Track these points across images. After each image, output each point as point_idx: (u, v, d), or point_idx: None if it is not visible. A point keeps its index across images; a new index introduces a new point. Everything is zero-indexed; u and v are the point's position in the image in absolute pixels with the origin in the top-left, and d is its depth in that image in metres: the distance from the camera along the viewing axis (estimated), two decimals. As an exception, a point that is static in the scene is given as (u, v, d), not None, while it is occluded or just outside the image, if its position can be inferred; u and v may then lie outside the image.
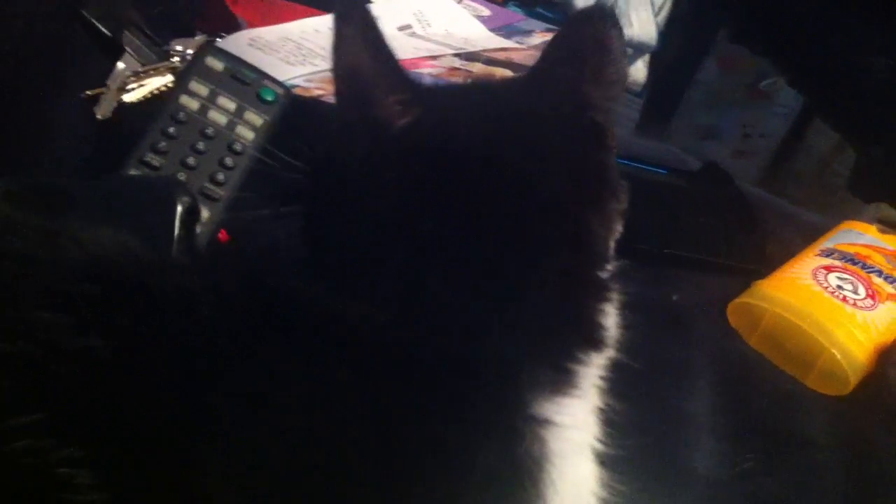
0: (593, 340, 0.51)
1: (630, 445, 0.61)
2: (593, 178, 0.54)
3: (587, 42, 0.52)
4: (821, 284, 0.80)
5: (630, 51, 1.31)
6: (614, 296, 0.53)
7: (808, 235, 0.92)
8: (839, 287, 0.80)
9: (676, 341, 0.76)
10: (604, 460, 0.52)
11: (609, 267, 0.54)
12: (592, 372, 0.51)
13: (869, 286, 0.81)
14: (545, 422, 0.46)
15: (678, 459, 0.66)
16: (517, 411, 0.45)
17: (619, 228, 0.56)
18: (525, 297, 0.49)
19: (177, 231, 0.57)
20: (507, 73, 0.97)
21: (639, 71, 1.36)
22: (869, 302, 0.79)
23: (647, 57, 1.37)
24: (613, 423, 0.53)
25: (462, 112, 0.54)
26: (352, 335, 0.44)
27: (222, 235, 0.73)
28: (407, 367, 0.44)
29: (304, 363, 0.43)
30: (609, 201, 0.55)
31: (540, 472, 0.44)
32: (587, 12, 0.53)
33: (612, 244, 0.56)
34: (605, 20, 0.51)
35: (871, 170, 1.09)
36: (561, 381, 0.48)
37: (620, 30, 0.52)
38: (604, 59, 0.51)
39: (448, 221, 0.49)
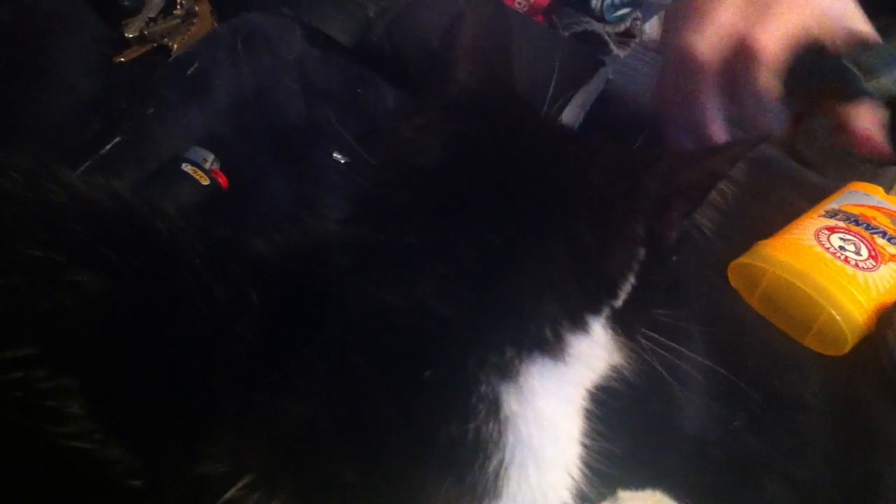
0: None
1: (617, 405, 0.62)
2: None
3: None
4: (822, 245, 0.80)
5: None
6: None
7: (814, 197, 0.92)
8: (841, 248, 0.79)
9: (671, 302, 0.76)
10: (589, 420, 0.53)
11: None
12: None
13: (872, 247, 0.80)
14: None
15: (666, 419, 0.66)
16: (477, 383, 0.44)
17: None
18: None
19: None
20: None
21: (654, 28, 1.34)
22: (871, 263, 0.78)
23: (662, 13, 1.35)
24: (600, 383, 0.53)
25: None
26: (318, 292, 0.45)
27: (222, 181, 0.74)
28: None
29: (275, 317, 0.44)
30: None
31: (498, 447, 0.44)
32: None
33: None
34: None
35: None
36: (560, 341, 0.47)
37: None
38: None
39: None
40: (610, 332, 0.48)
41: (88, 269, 0.41)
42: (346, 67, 0.85)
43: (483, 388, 0.43)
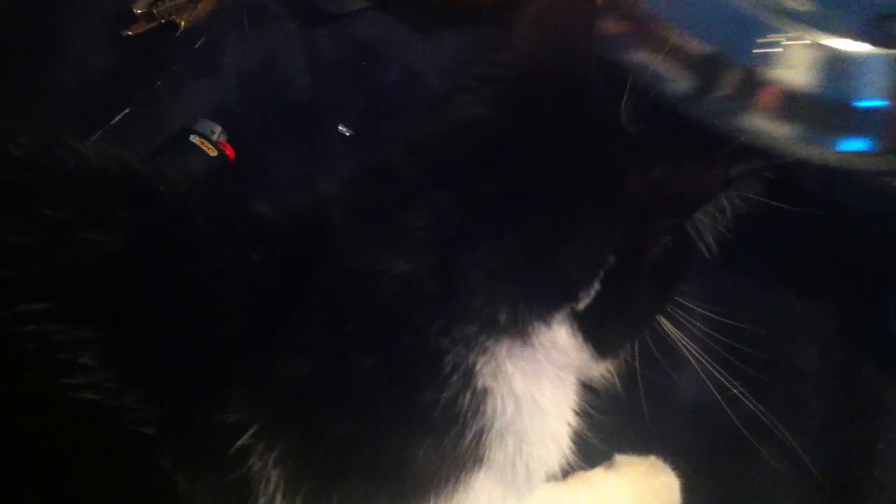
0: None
1: (612, 379, 0.63)
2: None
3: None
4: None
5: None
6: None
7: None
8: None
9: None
10: (583, 393, 0.54)
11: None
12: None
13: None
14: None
15: (663, 387, 0.67)
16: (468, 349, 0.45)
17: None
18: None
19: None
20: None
21: None
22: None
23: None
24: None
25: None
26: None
27: (230, 152, 0.75)
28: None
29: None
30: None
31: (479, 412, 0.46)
32: None
33: None
34: None
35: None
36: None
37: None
38: None
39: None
40: (581, 338, 0.49)
41: (99, 229, 0.42)
42: (352, 41, 0.86)
43: (453, 358, 0.44)
